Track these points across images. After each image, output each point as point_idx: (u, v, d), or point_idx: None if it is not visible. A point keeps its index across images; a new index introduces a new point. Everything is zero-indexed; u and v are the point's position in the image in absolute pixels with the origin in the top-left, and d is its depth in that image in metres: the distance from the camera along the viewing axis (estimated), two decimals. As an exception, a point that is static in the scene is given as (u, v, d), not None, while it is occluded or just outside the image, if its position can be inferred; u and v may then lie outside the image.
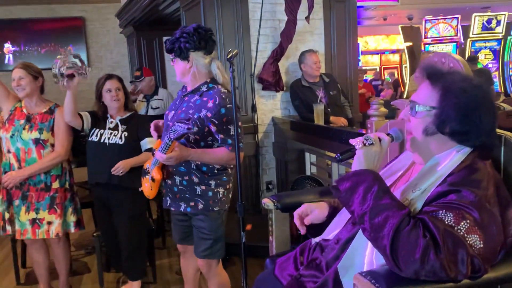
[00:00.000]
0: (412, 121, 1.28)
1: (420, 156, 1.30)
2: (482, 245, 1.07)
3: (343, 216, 1.45)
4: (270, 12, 3.68)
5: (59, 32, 8.23)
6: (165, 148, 1.85)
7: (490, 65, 7.93)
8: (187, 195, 2.03)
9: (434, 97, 1.23)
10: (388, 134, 1.30)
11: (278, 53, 3.62)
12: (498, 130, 1.29)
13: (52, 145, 2.56)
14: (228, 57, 1.78)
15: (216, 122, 1.91)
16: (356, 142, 1.26)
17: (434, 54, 1.57)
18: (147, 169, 2.14)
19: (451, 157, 1.21)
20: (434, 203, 1.14)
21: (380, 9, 8.08)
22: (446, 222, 1.08)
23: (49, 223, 2.53)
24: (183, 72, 2.00)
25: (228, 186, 2.10)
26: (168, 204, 2.12)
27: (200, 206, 2.02)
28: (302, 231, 1.51)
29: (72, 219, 2.65)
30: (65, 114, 2.50)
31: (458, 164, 1.18)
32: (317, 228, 1.53)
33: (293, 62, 3.78)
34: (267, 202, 1.81)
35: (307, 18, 3.52)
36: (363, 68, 7.01)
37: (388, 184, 1.24)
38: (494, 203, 1.12)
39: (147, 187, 2.15)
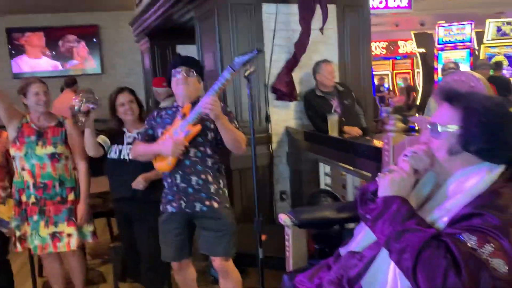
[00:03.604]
0: (434, 142, 1.29)
1: (443, 176, 1.30)
2: (506, 270, 1.06)
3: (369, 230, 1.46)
4: (284, 22, 3.69)
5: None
6: (218, 89, 1.99)
7: (504, 71, 7.84)
8: (202, 195, 2.18)
9: (456, 117, 1.25)
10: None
11: (292, 63, 3.63)
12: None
13: (66, 158, 2.59)
14: (246, 74, 1.79)
15: (227, 118, 2.12)
16: (378, 177, 1.30)
17: (455, 73, 1.57)
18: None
19: (480, 176, 1.21)
20: (458, 225, 1.14)
21: (393, 16, 8.05)
22: (469, 245, 1.08)
23: (69, 235, 2.56)
24: (197, 89, 2.20)
25: (227, 188, 2.32)
26: (183, 207, 2.20)
27: (216, 205, 2.19)
28: None
29: (89, 229, 2.69)
30: (87, 150, 2.55)
31: (487, 186, 1.19)
32: None
33: (307, 72, 3.78)
34: (284, 218, 1.82)
35: (321, 29, 3.53)
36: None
37: (414, 207, 1.25)
38: None
39: (165, 162, 2.18)
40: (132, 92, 2.66)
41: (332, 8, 3.81)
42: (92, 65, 8.41)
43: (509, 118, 1.24)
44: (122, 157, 2.56)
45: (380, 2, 6.80)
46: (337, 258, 1.48)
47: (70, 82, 5.94)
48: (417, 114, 8.35)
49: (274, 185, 3.81)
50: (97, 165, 2.82)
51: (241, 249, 2.84)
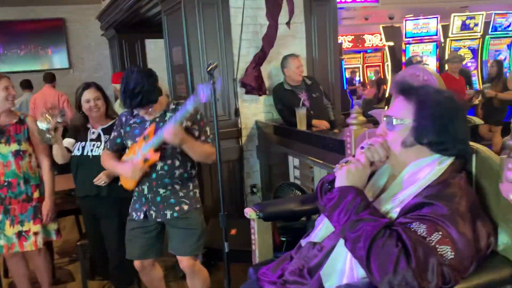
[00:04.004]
0: (389, 135, 1.33)
1: (397, 167, 1.34)
2: (453, 256, 1.11)
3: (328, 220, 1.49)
4: (251, 17, 3.69)
5: (39, 34, 8.10)
6: (180, 119, 1.96)
7: (469, 64, 8.07)
8: (171, 201, 2.17)
9: (410, 110, 1.29)
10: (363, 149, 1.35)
11: (260, 58, 3.64)
12: (470, 143, 1.34)
13: (30, 155, 2.55)
14: (208, 69, 1.79)
15: (197, 127, 2.15)
16: (336, 168, 1.32)
17: (410, 67, 1.62)
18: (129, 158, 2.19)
19: (431, 168, 1.26)
20: (409, 215, 1.18)
21: (360, 9, 8.15)
22: (419, 233, 1.12)
23: (36, 233, 2.52)
24: (161, 104, 2.13)
25: (198, 188, 2.32)
26: (154, 217, 2.21)
27: (186, 207, 2.19)
28: None
29: (53, 227, 2.65)
30: (56, 160, 2.56)
31: (436, 177, 1.23)
32: None
33: (276, 66, 3.80)
34: (249, 212, 1.83)
35: (288, 23, 3.55)
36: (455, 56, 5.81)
37: (370, 198, 1.29)
38: (466, 217, 1.16)
39: (129, 180, 2.20)
40: (98, 88, 2.61)
41: (299, 2, 3.84)
42: (59, 59, 8.20)
43: (459, 112, 1.29)
44: (85, 153, 2.52)
45: (349, -4, 6.89)
46: (298, 249, 1.51)
47: (49, 77, 5.86)
48: (386, 107, 8.51)
49: (245, 179, 3.83)
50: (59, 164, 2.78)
51: (212, 243, 2.86)
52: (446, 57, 7.82)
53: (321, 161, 2.92)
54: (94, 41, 8.03)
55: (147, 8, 4.56)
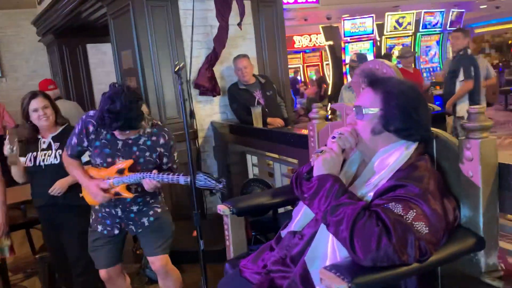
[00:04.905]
0: (359, 124, 1.42)
1: (367, 154, 1.44)
2: (427, 231, 1.21)
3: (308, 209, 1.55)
4: (201, 18, 3.71)
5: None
6: (162, 180, 1.97)
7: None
8: (144, 209, 2.22)
9: (378, 100, 1.39)
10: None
11: (212, 59, 3.67)
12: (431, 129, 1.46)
13: None
14: (175, 70, 1.80)
15: (168, 154, 2.16)
16: (312, 158, 1.39)
17: (369, 61, 1.72)
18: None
19: (400, 153, 1.36)
20: (384, 197, 1.28)
21: (301, 10, 8.39)
22: (396, 212, 1.22)
23: None
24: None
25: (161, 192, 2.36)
26: (134, 230, 2.23)
27: (159, 210, 2.25)
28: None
29: (6, 243, 2.53)
30: (18, 180, 2.55)
31: (405, 161, 1.34)
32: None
33: (228, 67, 3.85)
34: (222, 208, 1.86)
35: (239, 24, 3.60)
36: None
37: (344, 183, 1.37)
38: (435, 194, 1.27)
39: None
40: (46, 96, 2.52)
41: (247, 4, 3.91)
42: (-11, 68, 7.69)
43: (422, 100, 1.41)
44: (37, 163, 2.46)
45: (290, -2, 7.08)
46: (279, 240, 1.57)
47: None
48: (329, 104, 8.82)
49: (203, 180, 3.82)
50: (9, 175, 2.65)
51: (175, 246, 2.85)
52: (383, 54, 8.25)
53: (280, 157, 3.00)
54: (28, 47, 7.62)
55: (89, 12, 4.44)
